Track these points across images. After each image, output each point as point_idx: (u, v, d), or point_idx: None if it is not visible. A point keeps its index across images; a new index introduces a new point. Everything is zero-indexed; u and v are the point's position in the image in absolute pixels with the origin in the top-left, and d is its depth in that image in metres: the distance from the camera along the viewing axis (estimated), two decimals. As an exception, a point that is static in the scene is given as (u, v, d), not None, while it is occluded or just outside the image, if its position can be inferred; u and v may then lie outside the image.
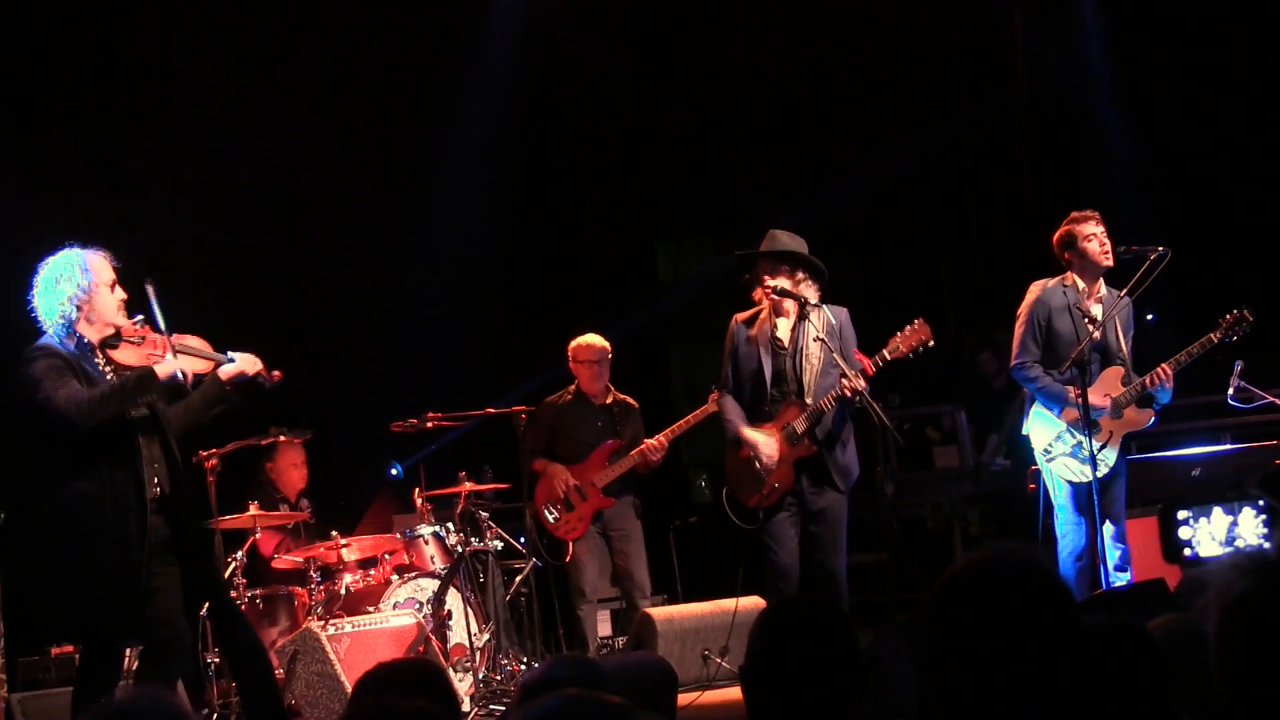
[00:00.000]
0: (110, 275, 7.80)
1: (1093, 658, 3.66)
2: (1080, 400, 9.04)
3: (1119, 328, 9.41)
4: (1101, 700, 3.64)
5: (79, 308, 7.64)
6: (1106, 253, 9.34)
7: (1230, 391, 10.54)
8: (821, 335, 8.98)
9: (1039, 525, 11.32)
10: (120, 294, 7.83)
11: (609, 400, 11.22)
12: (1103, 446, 9.26)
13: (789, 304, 9.14)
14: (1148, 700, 3.67)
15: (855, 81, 15.44)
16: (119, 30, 12.94)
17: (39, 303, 7.63)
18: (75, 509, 7.50)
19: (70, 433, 7.41)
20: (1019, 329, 9.57)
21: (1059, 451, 9.33)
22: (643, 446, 10.90)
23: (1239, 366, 10.45)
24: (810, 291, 9.13)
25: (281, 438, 11.00)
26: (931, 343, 9.22)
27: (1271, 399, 10.77)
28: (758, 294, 9.27)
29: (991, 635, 3.00)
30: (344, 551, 10.54)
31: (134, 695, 3.36)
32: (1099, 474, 9.21)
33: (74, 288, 7.63)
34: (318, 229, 13.96)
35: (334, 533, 10.69)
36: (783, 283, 9.06)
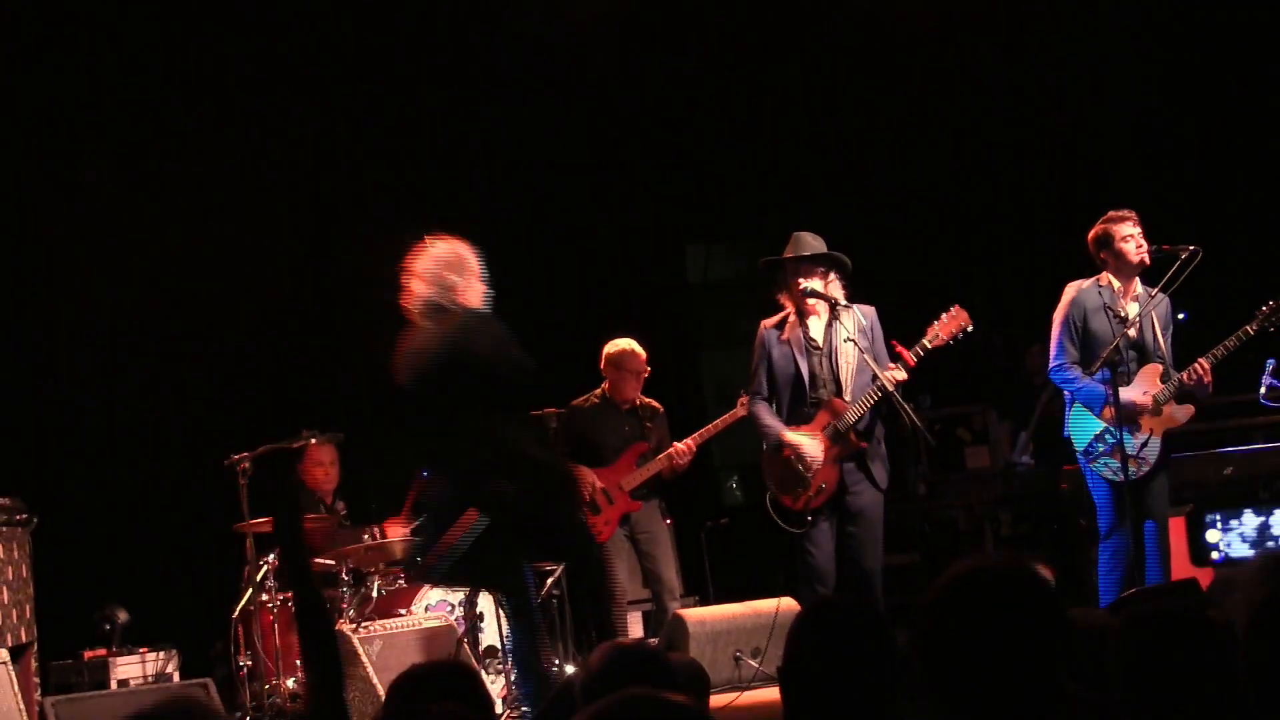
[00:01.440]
0: None
1: (1155, 643, 3.73)
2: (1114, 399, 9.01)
3: (1156, 325, 9.38)
4: (1169, 684, 3.68)
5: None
6: (1142, 253, 9.32)
7: (1262, 390, 10.51)
8: (853, 335, 9.00)
9: (1071, 526, 11.34)
10: None
11: (636, 404, 11.21)
12: (1144, 444, 9.23)
13: (820, 305, 9.15)
14: (1216, 682, 3.65)
15: (886, 80, 15.41)
16: (145, 37, 12.99)
17: (462, 284, 8.06)
18: (534, 458, 8.05)
19: (516, 397, 8.04)
20: (1055, 330, 9.55)
21: (1099, 451, 9.30)
22: (670, 450, 10.89)
23: (1271, 365, 10.42)
24: (838, 291, 9.15)
25: (313, 440, 10.99)
26: (970, 328, 9.24)
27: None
28: (784, 298, 9.28)
29: (983, 642, 3.06)
30: (374, 555, 10.54)
31: (163, 699, 3.38)
32: (1141, 473, 9.18)
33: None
34: (343, 230, 13.95)
35: (374, 529, 10.72)
36: (815, 284, 9.08)
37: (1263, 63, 14.37)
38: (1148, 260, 9.34)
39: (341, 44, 13.77)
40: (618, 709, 2.90)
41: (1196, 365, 9.16)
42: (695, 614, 10.74)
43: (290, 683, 10.09)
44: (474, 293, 8.11)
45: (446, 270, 8.10)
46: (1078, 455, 9.48)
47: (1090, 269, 9.61)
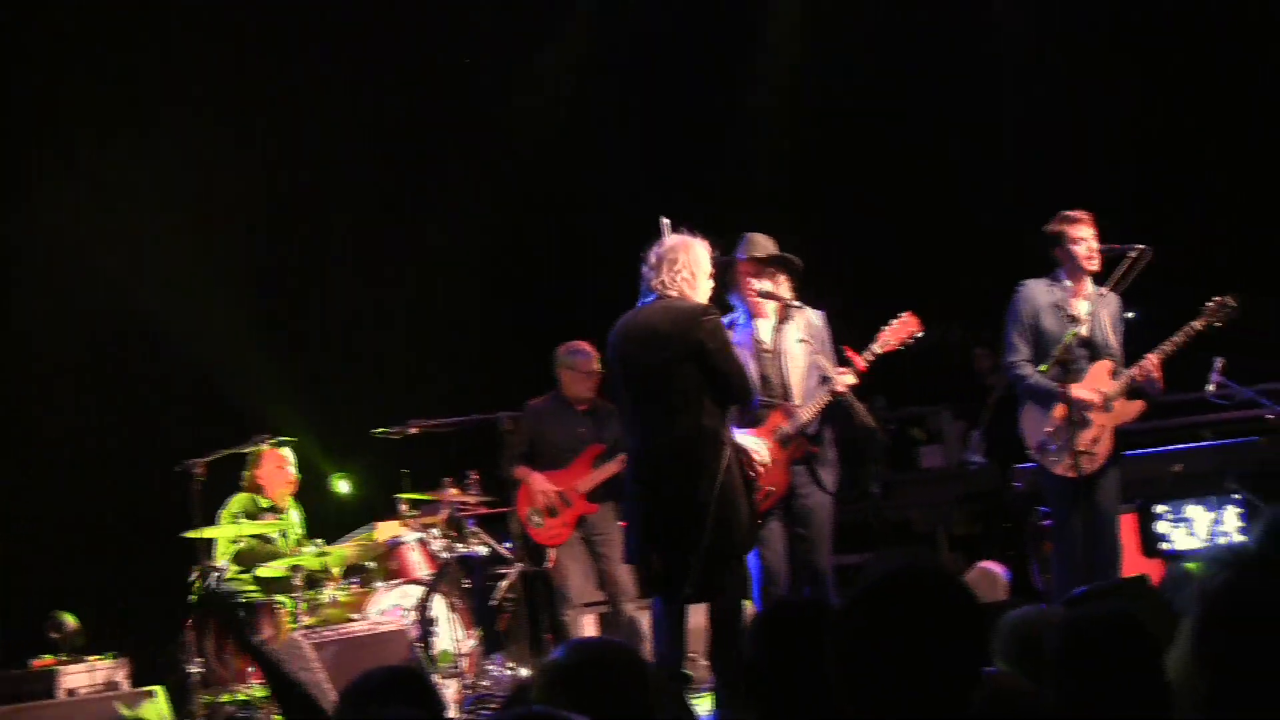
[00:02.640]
0: None
1: (1085, 645, 3.77)
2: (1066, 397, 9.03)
3: (1107, 323, 9.40)
4: (1098, 683, 3.71)
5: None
6: (1092, 257, 9.35)
7: (1210, 388, 10.56)
8: (805, 337, 9.00)
9: (1024, 523, 11.38)
10: None
11: (591, 405, 11.20)
12: (1094, 441, 9.26)
13: (768, 307, 9.14)
14: (1143, 685, 3.69)
15: (841, 81, 15.44)
16: (107, 38, 12.93)
17: (697, 279, 8.22)
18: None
19: (732, 398, 8.15)
20: (1008, 328, 9.57)
21: (1051, 448, 9.32)
22: (622, 459, 10.85)
23: (1219, 363, 10.47)
24: (788, 292, 9.15)
25: (265, 445, 10.96)
26: (920, 334, 9.24)
27: (1251, 394, 10.81)
28: (735, 298, 9.27)
29: (899, 641, 3.08)
30: (327, 560, 10.52)
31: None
32: (1091, 469, 9.22)
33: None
34: (301, 233, 13.93)
35: (317, 541, 10.70)
36: (767, 285, 9.06)
37: (1211, 62, 14.45)
38: (1098, 265, 9.37)
39: (301, 47, 13.74)
40: None
41: (1146, 361, 9.19)
42: (650, 616, 10.72)
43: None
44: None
45: None
46: (1030, 452, 9.51)
47: (1043, 269, 9.64)
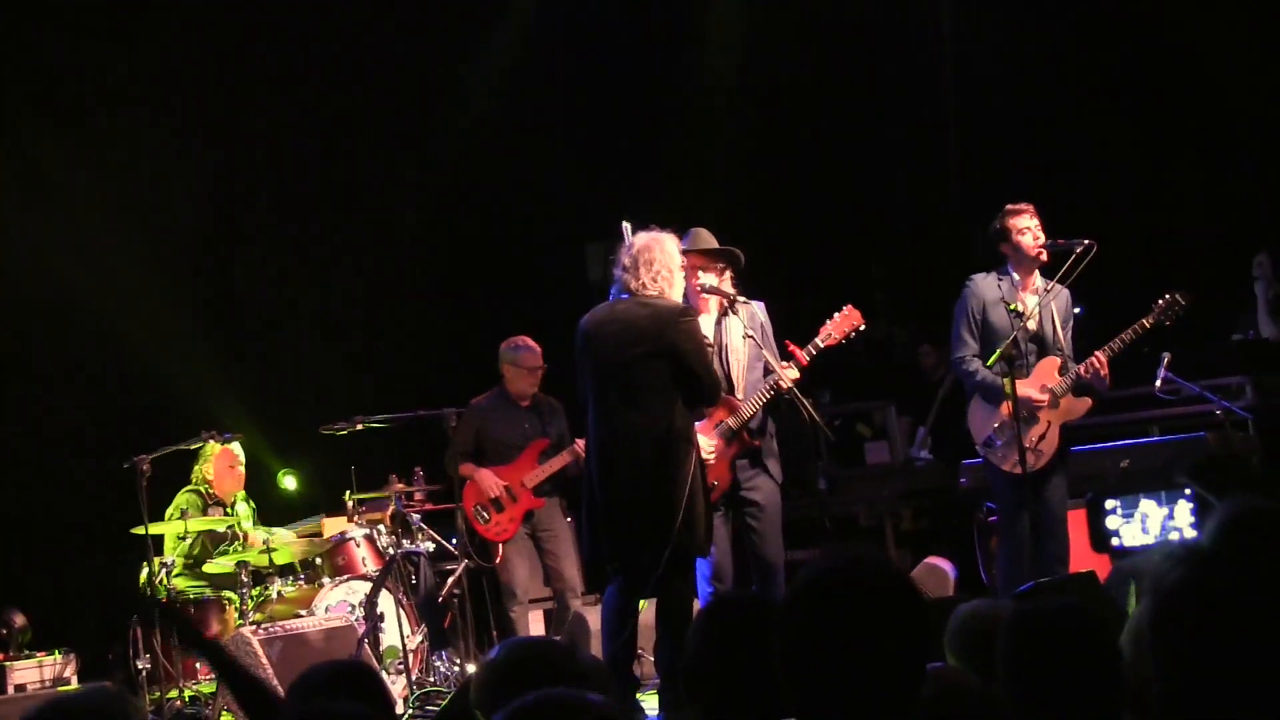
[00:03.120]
0: None
1: (1036, 639, 3.77)
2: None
3: (1055, 318, 9.42)
4: (1048, 679, 3.72)
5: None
6: (1039, 246, 9.36)
7: (1157, 384, 10.60)
8: (749, 331, 8.99)
9: (970, 519, 11.41)
10: None
11: (535, 401, 11.20)
12: (1041, 437, 9.29)
13: (710, 302, 9.13)
14: (1093, 677, 3.72)
15: (786, 78, 15.47)
16: (44, 37, 12.85)
17: (674, 275, 8.31)
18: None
19: (702, 401, 8.35)
20: (956, 323, 9.58)
21: (997, 443, 9.34)
22: (575, 447, 10.84)
23: (1166, 359, 10.52)
24: (730, 287, 9.15)
25: (211, 441, 10.92)
26: (863, 327, 9.27)
27: (1198, 390, 10.86)
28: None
29: (842, 637, 3.07)
30: (273, 556, 10.49)
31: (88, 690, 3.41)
32: (1038, 465, 9.24)
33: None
34: (246, 229, 13.89)
35: (274, 530, 10.67)
36: (710, 280, 9.06)
37: (1160, 58, 14.53)
38: (1045, 256, 9.37)
39: (243, 47, 13.70)
40: (535, 708, 2.89)
41: (1094, 359, 9.21)
42: (597, 612, 10.72)
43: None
44: None
45: None
46: (977, 447, 9.53)
47: (987, 265, 9.66)
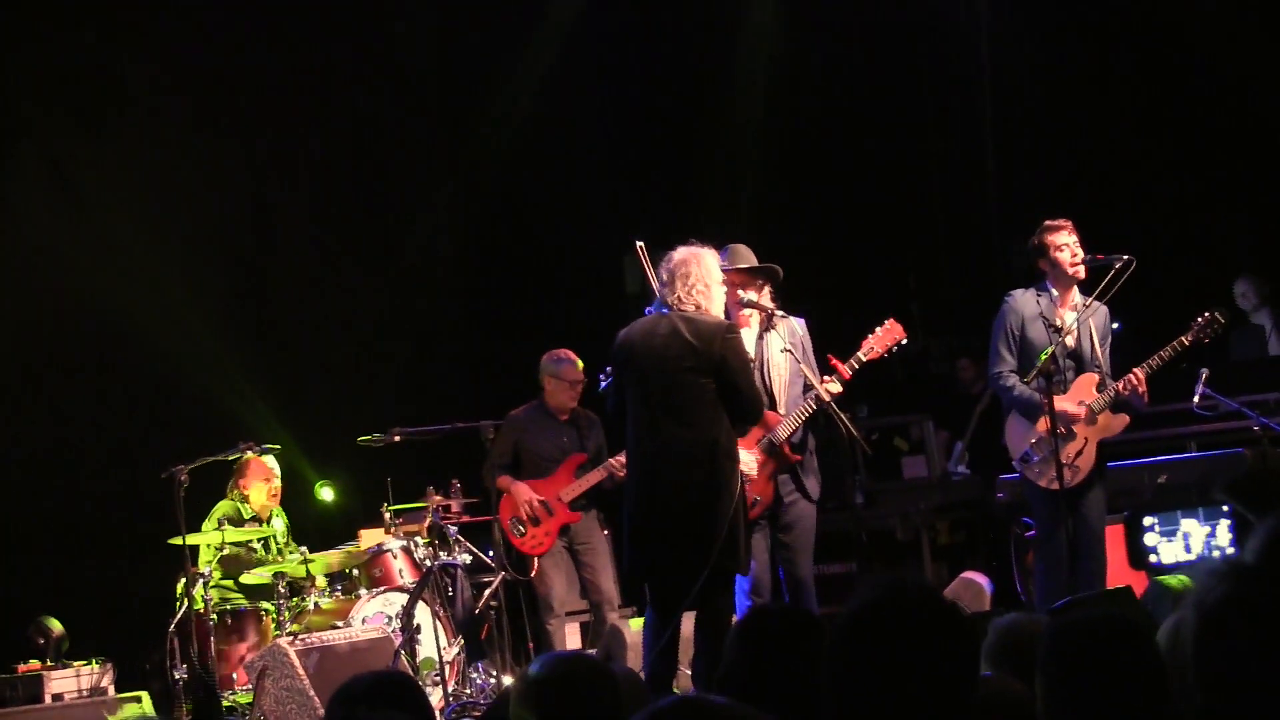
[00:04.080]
0: None
1: (1075, 652, 3.72)
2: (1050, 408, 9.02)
3: (1093, 335, 9.37)
4: (1087, 691, 3.68)
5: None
6: (1077, 263, 9.31)
7: (1195, 399, 10.56)
8: (788, 346, 8.99)
9: (1007, 534, 11.38)
10: None
11: (573, 414, 11.20)
12: (1078, 453, 9.26)
13: (751, 317, 9.13)
14: (1133, 689, 3.68)
15: (821, 91, 15.47)
16: (80, 45, 12.89)
17: (711, 290, 8.19)
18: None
19: (746, 418, 8.29)
20: (994, 338, 9.55)
21: (1034, 459, 9.31)
22: (611, 462, 10.84)
23: (1204, 374, 10.46)
24: (769, 302, 9.15)
25: (250, 453, 10.95)
26: (904, 340, 9.24)
27: (1236, 406, 10.81)
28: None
29: (891, 667, 3.07)
30: (310, 567, 10.52)
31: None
32: (1075, 481, 9.22)
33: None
34: (283, 241, 13.92)
35: (302, 549, 10.68)
36: (751, 296, 9.05)
37: (1200, 74, 14.47)
38: (1082, 273, 9.34)
39: (280, 52, 13.72)
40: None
41: (1131, 375, 9.16)
42: (633, 625, 10.72)
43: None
44: None
45: None
46: (1014, 463, 9.50)
47: (1026, 279, 9.64)
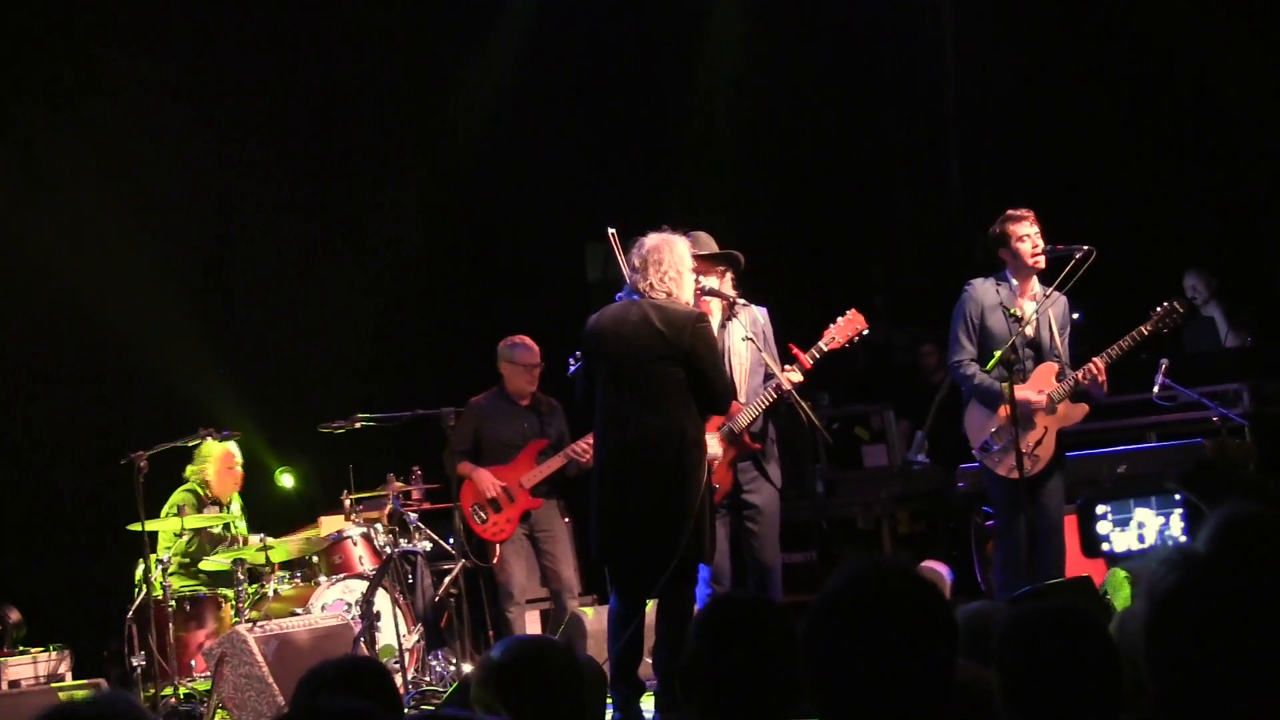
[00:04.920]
0: None
1: (1032, 640, 3.75)
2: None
3: (1053, 324, 9.40)
4: (1044, 680, 3.70)
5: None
6: (1038, 253, 9.33)
7: (1155, 390, 10.60)
8: (750, 334, 8.99)
9: (967, 523, 11.41)
10: None
11: (533, 400, 11.19)
12: (1038, 443, 9.28)
13: (712, 305, 9.12)
14: (1090, 678, 3.71)
15: (785, 83, 15.46)
16: (51, 32, 12.81)
17: (683, 277, 8.27)
18: None
19: (715, 407, 8.35)
20: (954, 326, 9.56)
21: (994, 448, 9.33)
22: (574, 448, 10.82)
23: (1164, 365, 10.50)
24: (731, 290, 9.15)
25: (209, 439, 10.91)
26: (866, 331, 9.27)
27: (1196, 396, 10.85)
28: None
29: (868, 647, 3.06)
30: (270, 554, 10.49)
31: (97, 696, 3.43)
32: (1035, 470, 9.24)
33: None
34: (246, 228, 13.84)
35: (260, 535, 10.64)
36: (713, 282, 9.05)
37: (1157, 64, 14.50)
38: (1043, 263, 9.36)
39: (244, 44, 13.64)
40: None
41: (1091, 365, 9.18)
42: (593, 612, 10.73)
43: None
44: None
45: None
46: (974, 451, 9.52)
47: (987, 270, 9.65)
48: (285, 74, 13.89)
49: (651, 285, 8.12)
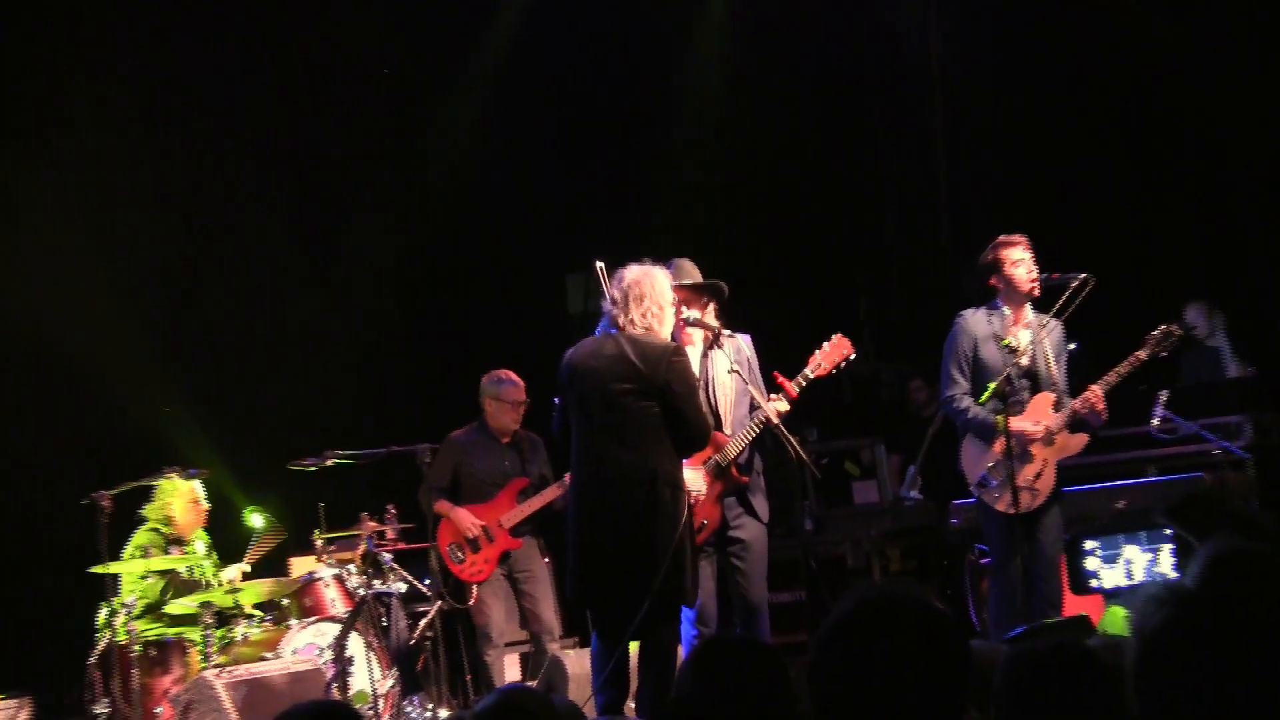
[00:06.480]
0: None
1: (1032, 681, 3.65)
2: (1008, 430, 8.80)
3: (1049, 353, 9.18)
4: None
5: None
6: (1033, 280, 9.12)
7: (1155, 422, 10.41)
8: (734, 365, 8.77)
9: (960, 560, 11.19)
10: None
11: (515, 437, 10.95)
12: (1037, 475, 9.04)
13: (695, 335, 8.91)
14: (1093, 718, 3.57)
15: (771, 113, 15.36)
16: (18, 62, 12.67)
17: (664, 311, 8.07)
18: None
19: (692, 445, 8.09)
20: (945, 360, 9.33)
21: (992, 483, 9.08)
22: (556, 488, 10.58)
23: (1162, 397, 10.33)
24: (714, 319, 8.93)
25: (175, 477, 10.68)
26: (853, 356, 9.02)
27: (1196, 429, 10.65)
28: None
29: (877, 673, 3.04)
30: (239, 596, 10.26)
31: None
32: (1035, 504, 9.00)
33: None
34: (216, 261, 13.70)
35: (236, 565, 10.45)
36: (694, 313, 8.83)
37: (1160, 92, 14.37)
38: (1037, 290, 9.15)
39: (212, 69, 13.54)
40: None
41: (1089, 393, 8.97)
42: (575, 655, 10.48)
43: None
44: None
45: None
46: (971, 488, 9.27)
47: (975, 304, 9.41)
48: (259, 106, 13.86)
49: (632, 321, 7.92)
